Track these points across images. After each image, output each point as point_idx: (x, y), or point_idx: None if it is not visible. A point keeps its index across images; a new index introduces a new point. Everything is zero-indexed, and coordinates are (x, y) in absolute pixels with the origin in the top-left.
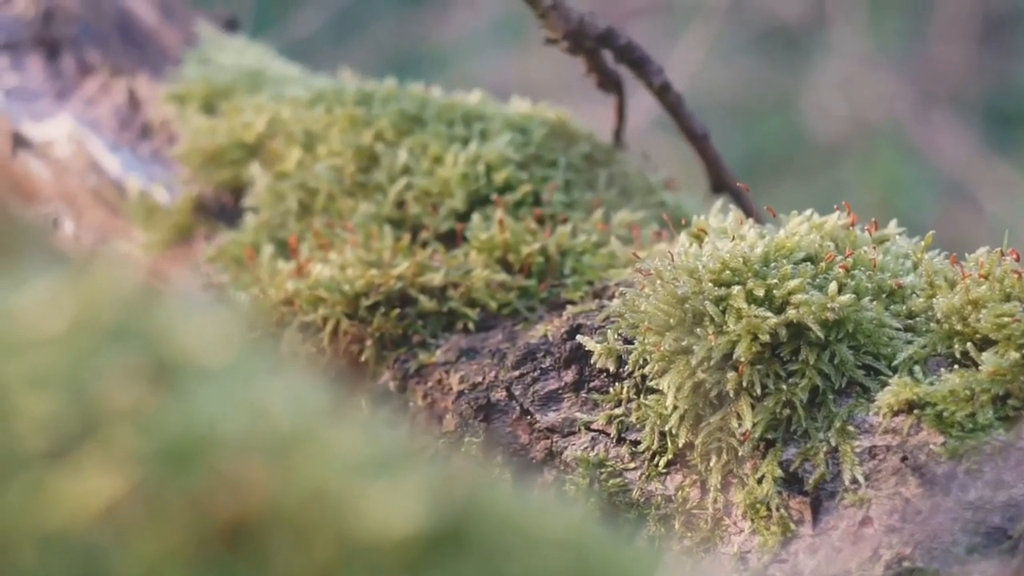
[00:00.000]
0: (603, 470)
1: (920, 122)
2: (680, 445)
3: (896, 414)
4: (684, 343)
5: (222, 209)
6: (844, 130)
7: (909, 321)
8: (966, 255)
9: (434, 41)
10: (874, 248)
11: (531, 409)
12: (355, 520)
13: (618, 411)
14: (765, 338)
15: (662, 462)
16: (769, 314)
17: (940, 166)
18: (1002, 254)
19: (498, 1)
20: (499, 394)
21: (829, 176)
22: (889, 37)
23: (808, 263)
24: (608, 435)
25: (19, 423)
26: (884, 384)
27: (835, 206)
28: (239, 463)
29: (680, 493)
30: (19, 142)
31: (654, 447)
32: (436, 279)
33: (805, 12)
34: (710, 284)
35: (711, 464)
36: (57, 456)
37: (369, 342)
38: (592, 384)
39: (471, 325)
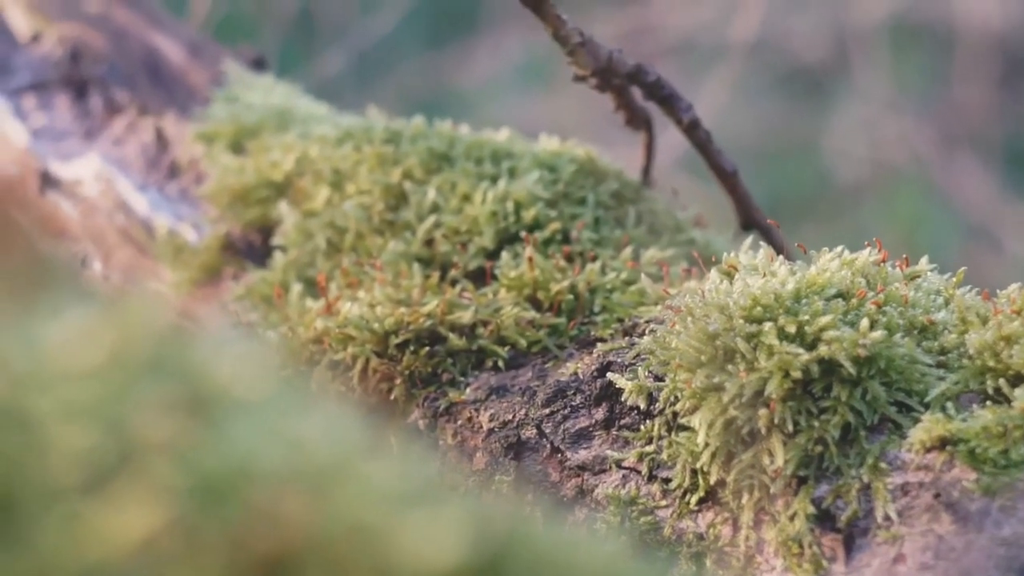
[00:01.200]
0: (634, 508)
1: (941, 164)
2: (712, 482)
3: (929, 451)
4: (715, 380)
5: (250, 248)
6: (866, 172)
7: (941, 357)
8: (997, 291)
9: (458, 85)
10: (905, 284)
11: (562, 447)
12: (393, 553)
13: (649, 448)
14: (797, 375)
15: (694, 499)
16: (800, 350)
17: (961, 208)
18: None
19: (522, 45)
20: (529, 432)
21: (851, 218)
22: (911, 80)
23: (839, 299)
24: (639, 473)
25: (55, 456)
26: (916, 420)
27: (865, 242)
28: (276, 496)
29: (712, 531)
30: (47, 181)
31: (685, 484)
32: (465, 317)
33: (827, 55)
34: (741, 321)
35: (743, 501)
36: (93, 489)
37: (399, 380)
38: (623, 421)
39: (501, 363)
